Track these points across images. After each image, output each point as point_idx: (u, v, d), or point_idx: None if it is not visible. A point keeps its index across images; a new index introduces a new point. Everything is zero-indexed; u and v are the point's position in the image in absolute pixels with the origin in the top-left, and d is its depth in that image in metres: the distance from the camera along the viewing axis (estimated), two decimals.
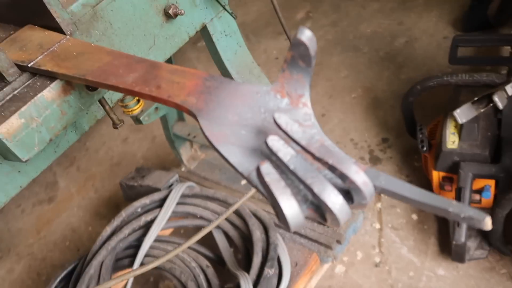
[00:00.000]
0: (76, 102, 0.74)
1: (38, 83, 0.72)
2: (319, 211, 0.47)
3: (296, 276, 1.40)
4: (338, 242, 1.47)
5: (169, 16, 0.98)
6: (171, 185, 1.72)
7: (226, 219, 1.57)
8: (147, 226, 1.57)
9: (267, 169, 0.44)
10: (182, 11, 0.96)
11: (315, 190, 0.43)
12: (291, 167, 0.45)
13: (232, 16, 1.14)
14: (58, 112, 0.72)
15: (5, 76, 0.71)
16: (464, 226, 1.43)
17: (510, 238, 1.47)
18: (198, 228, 1.71)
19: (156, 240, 1.57)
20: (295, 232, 1.53)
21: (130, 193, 1.79)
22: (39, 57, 0.73)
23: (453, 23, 2.48)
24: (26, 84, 0.72)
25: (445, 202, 0.45)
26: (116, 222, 1.55)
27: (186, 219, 1.64)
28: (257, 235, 1.42)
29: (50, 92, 0.70)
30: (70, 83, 0.72)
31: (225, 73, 1.20)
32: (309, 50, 0.49)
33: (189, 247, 1.58)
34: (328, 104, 2.34)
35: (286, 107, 0.53)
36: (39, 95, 0.69)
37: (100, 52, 0.69)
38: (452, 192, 1.58)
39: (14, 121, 0.67)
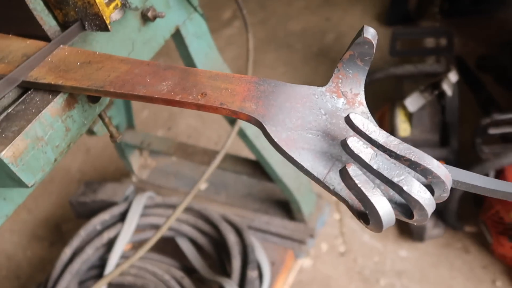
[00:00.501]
0: (80, 117, 0.68)
1: (37, 98, 0.64)
2: (403, 209, 0.47)
3: (275, 275, 1.40)
4: (311, 236, 1.49)
5: (146, 19, 0.92)
6: (128, 197, 1.63)
7: (194, 227, 1.53)
8: (110, 243, 1.48)
9: (355, 172, 0.44)
10: (163, 14, 0.92)
11: (405, 188, 0.44)
12: (375, 166, 0.45)
13: (203, 18, 1.10)
14: (62, 128, 0.65)
15: None
16: None
17: (461, 215, 1.60)
18: (166, 240, 1.66)
19: (122, 257, 1.48)
20: (266, 231, 1.53)
21: (82, 211, 1.67)
22: (33, 69, 0.65)
23: (377, 17, 2.63)
24: (20, 100, 0.64)
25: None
26: (75, 242, 1.44)
27: (150, 231, 1.56)
28: (231, 238, 1.40)
29: (54, 107, 0.63)
30: (73, 96, 0.65)
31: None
32: (373, 48, 0.49)
33: (159, 261, 1.51)
34: None
35: (344, 107, 0.52)
36: (43, 111, 0.62)
37: (111, 60, 0.63)
38: None
39: (20, 143, 0.59)
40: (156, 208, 1.56)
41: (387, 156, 0.47)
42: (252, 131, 1.28)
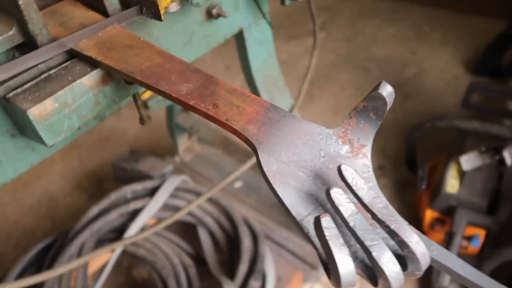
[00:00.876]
0: (112, 94, 0.71)
1: (77, 68, 0.68)
2: (369, 272, 0.46)
3: None
4: None
5: (210, 15, 0.95)
6: (164, 175, 1.69)
7: (215, 220, 1.55)
8: (135, 213, 1.54)
9: (328, 223, 0.43)
10: (227, 14, 0.93)
11: (374, 254, 0.42)
12: (351, 224, 0.44)
13: (269, 25, 1.11)
14: (92, 101, 0.69)
15: (42, 50, 0.67)
16: None
17: None
18: (188, 226, 1.70)
19: (142, 229, 1.54)
20: (282, 246, 1.53)
21: (121, 175, 1.75)
22: (83, 40, 0.69)
23: (465, 63, 2.50)
24: (63, 65, 0.69)
25: (497, 287, 0.45)
26: (104, 203, 1.51)
27: (175, 213, 1.61)
28: (246, 243, 1.41)
29: (89, 80, 0.67)
30: (110, 74, 0.69)
31: (250, 81, 1.18)
32: (386, 106, 0.48)
33: (173, 243, 1.55)
34: (330, 119, 2.34)
35: (346, 154, 0.51)
36: (77, 81, 0.65)
37: (150, 50, 0.66)
38: (441, 233, 1.60)
39: (48, 105, 0.64)
40: (186, 192, 1.60)
41: (369, 217, 0.46)
42: None
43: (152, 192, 1.58)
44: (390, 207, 0.47)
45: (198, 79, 0.59)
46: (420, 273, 0.44)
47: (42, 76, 0.67)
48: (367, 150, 0.52)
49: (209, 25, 0.97)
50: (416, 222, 1.78)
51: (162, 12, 0.74)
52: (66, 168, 2.43)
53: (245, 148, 1.61)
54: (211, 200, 1.58)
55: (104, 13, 0.75)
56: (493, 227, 1.44)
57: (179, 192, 1.60)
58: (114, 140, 2.57)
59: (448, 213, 1.55)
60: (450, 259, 0.47)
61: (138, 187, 1.57)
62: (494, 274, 1.44)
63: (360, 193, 0.45)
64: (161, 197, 1.53)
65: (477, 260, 1.50)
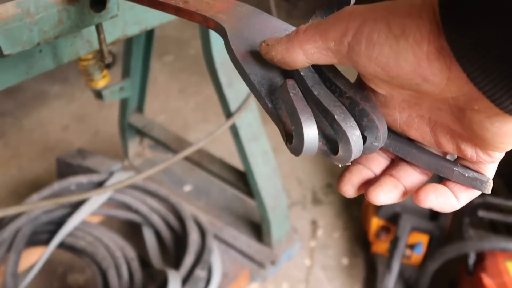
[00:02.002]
0: (76, 16, 0.70)
1: None
2: (330, 144, 0.46)
3: (224, 286, 1.34)
4: (272, 262, 1.44)
5: None
6: (113, 172, 1.63)
7: (161, 218, 1.50)
8: (77, 206, 1.47)
9: (294, 86, 0.43)
10: None
11: (336, 117, 0.42)
12: (315, 92, 0.45)
13: None
14: (55, 18, 0.68)
15: None
16: (394, 275, 1.47)
17: None
18: (130, 223, 1.63)
19: (82, 224, 1.46)
20: (230, 245, 1.49)
21: (66, 172, 1.67)
22: None
23: None
24: None
25: (450, 163, 0.46)
26: (45, 192, 1.44)
27: (119, 210, 1.55)
28: (193, 237, 1.37)
29: None
30: None
31: (210, 62, 1.20)
32: None
33: (115, 240, 1.48)
34: (281, 141, 2.37)
35: None
36: None
37: None
38: (386, 242, 1.63)
39: (10, 8, 0.62)
40: (133, 189, 1.55)
41: (332, 92, 0.47)
42: (245, 133, 1.29)
43: (98, 186, 1.52)
44: (354, 85, 0.49)
45: None
46: (378, 144, 0.45)
47: None
48: None
49: None
50: (364, 236, 1.81)
51: None
52: (3, 177, 2.29)
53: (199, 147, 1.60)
54: (159, 198, 1.54)
55: None
56: (436, 232, 1.49)
57: (127, 188, 1.55)
58: (59, 151, 2.46)
59: (393, 221, 1.58)
60: (404, 143, 0.48)
61: (83, 179, 1.51)
62: (437, 279, 1.47)
63: (323, 67, 0.47)
64: (106, 190, 1.47)
65: (419, 270, 1.53)
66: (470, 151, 0.38)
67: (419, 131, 0.41)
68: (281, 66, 0.43)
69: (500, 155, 0.38)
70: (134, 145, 1.89)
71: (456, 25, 0.29)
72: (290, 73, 0.49)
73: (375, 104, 0.43)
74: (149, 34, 1.54)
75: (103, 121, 2.65)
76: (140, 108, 1.76)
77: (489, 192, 0.43)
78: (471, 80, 0.29)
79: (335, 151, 0.45)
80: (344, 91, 0.45)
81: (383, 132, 0.44)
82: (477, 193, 0.42)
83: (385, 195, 0.42)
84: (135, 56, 1.54)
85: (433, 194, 0.39)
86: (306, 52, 0.39)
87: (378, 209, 1.61)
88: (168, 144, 1.63)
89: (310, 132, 0.42)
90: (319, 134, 0.46)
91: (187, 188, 1.75)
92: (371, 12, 0.34)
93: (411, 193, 0.44)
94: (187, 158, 1.59)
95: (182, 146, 1.60)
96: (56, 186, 1.47)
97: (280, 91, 0.44)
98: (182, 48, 3.40)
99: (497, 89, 0.28)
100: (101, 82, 1.44)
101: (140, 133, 1.80)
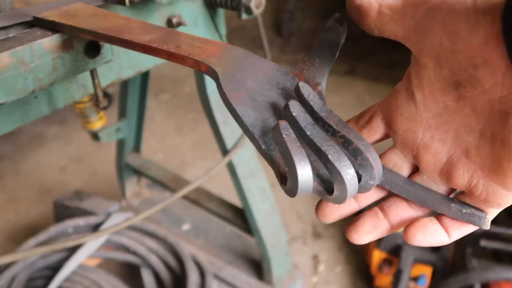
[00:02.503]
0: (71, 63, 0.71)
1: (39, 32, 0.69)
2: (325, 184, 0.46)
3: None
4: None
5: (171, 23, 0.99)
6: (110, 213, 1.62)
7: (160, 259, 1.48)
8: (74, 249, 1.45)
9: (286, 127, 0.43)
10: (186, 22, 0.99)
11: (330, 156, 0.42)
12: (308, 132, 0.45)
13: None
14: (50, 65, 0.69)
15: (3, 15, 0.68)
16: None
17: None
18: (128, 265, 1.61)
19: (80, 268, 1.44)
20: (230, 284, 1.46)
21: (63, 215, 1.66)
22: (47, 11, 0.71)
23: None
24: (23, 31, 0.69)
25: (447, 199, 0.45)
26: (42, 236, 1.42)
27: (117, 252, 1.52)
28: (193, 278, 1.34)
29: (50, 42, 0.67)
30: (71, 41, 0.70)
31: (205, 101, 1.21)
32: (340, 36, 0.50)
33: (113, 284, 1.45)
34: None
35: None
36: (38, 41, 0.66)
37: (114, 16, 0.68)
38: (389, 275, 1.60)
39: (5, 58, 0.63)
40: (131, 230, 1.53)
41: (325, 131, 0.47)
42: (242, 170, 1.29)
43: (95, 228, 1.50)
44: (345, 122, 0.49)
45: (161, 31, 0.61)
46: (373, 183, 0.44)
47: (1, 38, 0.67)
48: (322, 88, 0.54)
49: None
50: (365, 269, 1.78)
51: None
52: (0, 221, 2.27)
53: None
54: (157, 238, 1.52)
55: None
56: (439, 263, 1.46)
57: (125, 230, 1.53)
58: (56, 193, 2.45)
59: (395, 253, 1.56)
60: (399, 179, 0.48)
61: (80, 222, 1.49)
62: None
63: (316, 106, 0.47)
64: (103, 232, 1.46)
65: None
66: (481, 187, 0.37)
67: (434, 158, 0.40)
68: (355, 15, 0.42)
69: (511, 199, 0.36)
70: (131, 185, 1.88)
71: None
72: (282, 114, 0.49)
73: (369, 143, 0.43)
74: (145, 75, 1.56)
75: (100, 162, 2.65)
76: (137, 148, 1.77)
77: (488, 227, 0.42)
78: None
79: (330, 191, 0.45)
80: (337, 130, 0.45)
81: (378, 170, 0.44)
82: (471, 228, 0.41)
83: (361, 237, 0.42)
84: (131, 97, 1.56)
85: (421, 235, 0.39)
86: (381, 13, 0.38)
87: (379, 241, 1.59)
88: (166, 183, 1.62)
89: (304, 173, 0.41)
90: (313, 174, 0.46)
91: (186, 226, 1.73)
92: None
93: (401, 228, 0.44)
94: (185, 197, 1.58)
95: (179, 184, 1.59)
96: (53, 230, 1.46)
97: (273, 133, 0.44)
98: (178, 86, 3.44)
99: None
100: (97, 123, 1.45)
101: (138, 172, 1.80)
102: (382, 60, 3.49)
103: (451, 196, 0.43)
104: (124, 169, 1.79)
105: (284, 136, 0.42)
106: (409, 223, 0.40)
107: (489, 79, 0.32)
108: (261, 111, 0.50)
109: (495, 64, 0.31)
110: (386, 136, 0.46)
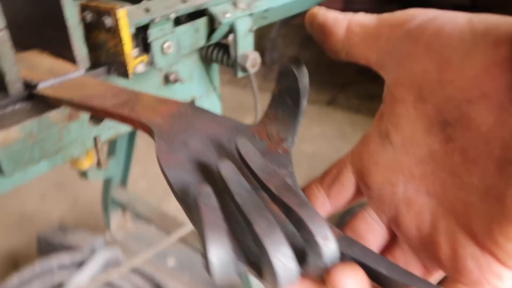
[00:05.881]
0: (76, 132, 0.74)
1: (41, 106, 0.71)
2: (256, 266, 0.32)
3: None
4: None
5: (168, 80, 1.03)
6: (95, 249, 1.62)
7: None
8: (59, 286, 1.44)
9: (208, 196, 0.32)
10: (183, 79, 1.02)
11: (257, 230, 0.30)
12: (239, 201, 0.33)
13: (219, 99, 1.21)
14: (56, 136, 0.71)
15: (9, 90, 0.70)
16: None
17: None
18: None
19: None
20: None
21: (46, 250, 1.65)
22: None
23: None
24: (28, 103, 0.72)
25: (428, 285, 0.36)
26: (26, 273, 1.41)
27: None
28: None
29: (57, 114, 0.70)
30: (76, 112, 0.72)
31: None
32: (297, 82, 0.42)
33: None
34: None
35: (264, 150, 0.44)
36: (45, 114, 0.68)
37: (101, 85, 0.66)
38: None
39: (14, 133, 0.65)
40: (118, 266, 1.54)
41: (267, 197, 0.36)
42: None
43: (81, 265, 1.50)
44: (290, 183, 0.40)
45: (128, 95, 0.58)
46: (322, 266, 0.31)
47: (7, 110, 0.69)
48: (288, 146, 0.44)
49: (166, 89, 1.04)
50: None
51: (130, 71, 0.81)
52: None
53: (183, 223, 1.62)
54: (143, 276, 1.53)
55: (73, 62, 0.81)
56: None
57: (111, 266, 1.53)
58: (37, 221, 2.43)
59: None
60: (375, 260, 0.33)
61: (65, 259, 1.49)
62: None
63: (254, 166, 0.37)
64: (90, 270, 1.46)
65: None
66: (472, 264, 0.27)
67: (417, 219, 0.30)
68: (318, 35, 0.36)
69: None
70: (116, 217, 1.89)
71: None
72: (212, 178, 0.40)
73: (315, 210, 0.32)
74: None
75: (82, 189, 2.64)
76: (123, 182, 1.78)
77: None
78: None
79: (261, 274, 0.33)
80: (277, 197, 0.34)
81: (329, 249, 0.31)
82: None
83: None
84: (120, 137, 1.58)
85: None
86: (350, 31, 0.32)
87: None
88: (153, 221, 1.64)
89: (219, 252, 0.29)
90: (242, 255, 0.34)
91: (171, 262, 1.75)
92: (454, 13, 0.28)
93: None
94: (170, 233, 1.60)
95: (166, 223, 1.61)
96: (37, 266, 1.45)
97: (192, 202, 0.34)
98: None
99: None
100: (86, 163, 1.46)
101: (124, 207, 1.80)
102: (362, 91, 3.58)
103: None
104: (110, 204, 1.79)
105: (199, 202, 0.32)
106: None
107: (487, 118, 0.25)
108: (197, 174, 0.41)
109: (497, 98, 0.25)
110: (361, 193, 0.37)
